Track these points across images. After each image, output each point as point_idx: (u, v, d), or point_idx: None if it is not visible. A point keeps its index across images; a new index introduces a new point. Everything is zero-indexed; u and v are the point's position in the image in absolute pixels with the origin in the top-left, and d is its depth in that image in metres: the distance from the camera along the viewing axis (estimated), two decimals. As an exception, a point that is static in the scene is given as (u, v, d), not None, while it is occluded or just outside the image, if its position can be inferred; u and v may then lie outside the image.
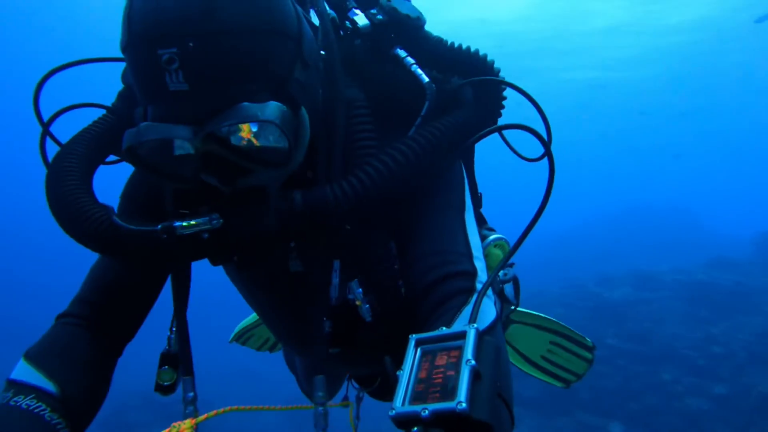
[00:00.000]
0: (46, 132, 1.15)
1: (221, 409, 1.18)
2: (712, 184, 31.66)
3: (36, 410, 0.96)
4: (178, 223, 0.87)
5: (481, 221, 1.42)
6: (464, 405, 0.61)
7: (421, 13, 1.13)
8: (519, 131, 1.08)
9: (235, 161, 0.87)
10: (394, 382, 0.74)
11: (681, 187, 26.53)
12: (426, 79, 1.06)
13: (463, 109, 1.09)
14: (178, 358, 1.15)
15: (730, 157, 34.12)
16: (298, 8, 0.93)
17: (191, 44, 0.77)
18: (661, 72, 21.75)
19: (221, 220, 0.88)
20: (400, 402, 0.67)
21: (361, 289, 1.13)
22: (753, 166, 34.32)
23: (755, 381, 6.79)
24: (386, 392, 1.60)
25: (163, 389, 1.15)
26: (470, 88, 1.13)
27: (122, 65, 1.10)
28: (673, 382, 7.71)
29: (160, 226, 0.87)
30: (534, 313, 1.92)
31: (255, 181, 0.91)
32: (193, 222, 0.87)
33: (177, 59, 0.77)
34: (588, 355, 1.90)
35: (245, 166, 0.88)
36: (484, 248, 1.31)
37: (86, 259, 1.21)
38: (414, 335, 0.78)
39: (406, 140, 0.99)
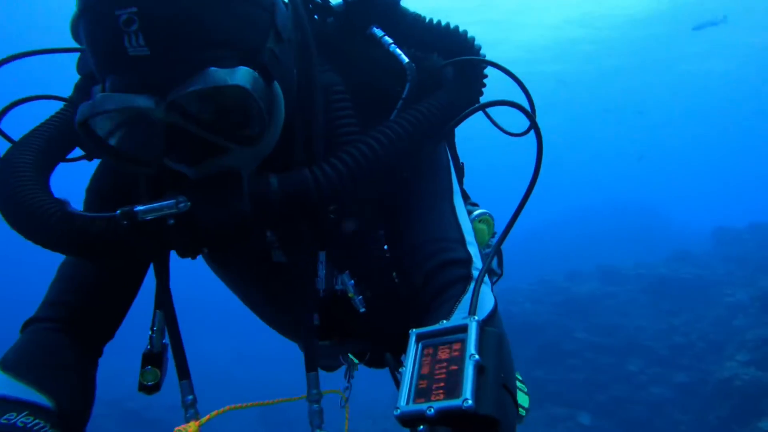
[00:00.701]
0: None
1: (222, 409, 1.13)
2: (676, 181, 32.76)
3: (35, 428, 0.85)
4: (139, 208, 0.78)
5: (464, 197, 1.41)
6: (470, 402, 0.60)
7: None
8: (501, 108, 1.05)
9: (203, 136, 0.78)
10: (394, 368, 0.74)
11: (645, 184, 27.39)
12: (406, 59, 1.00)
13: (445, 91, 1.04)
14: (161, 358, 1.10)
15: (692, 154, 35.39)
16: None
17: (151, 2, 0.70)
18: (621, 65, 22.40)
19: (188, 203, 0.79)
20: (404, 401, 0.65)
21: (353, 281, 1.09)
22: (713, 163, 35.69)
23: (712, 368, 7.11)
24: (379, 361, 1.54)
25: (148, 389, 1.09)
26: (451, 67, 1.08)
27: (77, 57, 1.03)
28: (638, 372, 8.01)
29: (119, 212, 0.79)
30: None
31: (225, 162, 0.83)
32: (156, 205, 0.78)
33: (136, 20, 0.69)
34: (524, 388, 1.78)
35: (213, 142, 0.79)
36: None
37: (48, 261, 1.12)
38: (414, 330, 0.75)
39: (389, 123, 0.94)
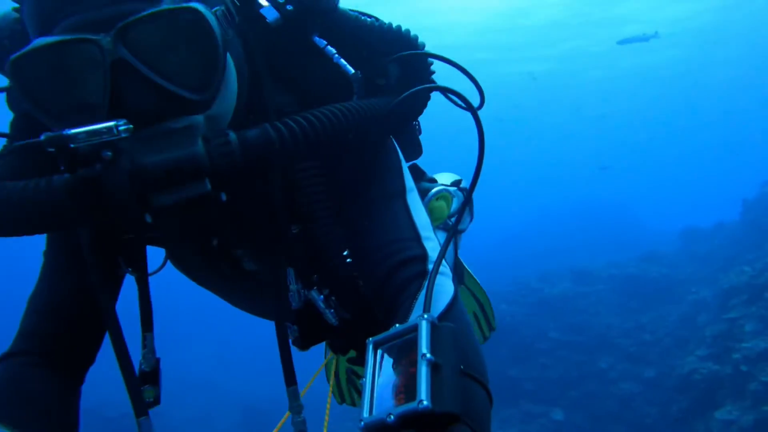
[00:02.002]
0: None
1: None
2: (646, 183, 33.41)
3: None
4: (70, 131, 0.66)
5: (421, 175, 1.42)
6: (425, 403, 0.60)
7: None
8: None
9: (153, 78, 0.71)
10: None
11: (616, 187, 27.97)
12: (351, 70, 0.99)
13: (392, 92, 1.05)
14: (156, 374, 1.12)
15: (662, 157, 36.40)
16: None
17: None
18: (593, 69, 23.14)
19: (130, 126, 0.68)
20: (366, 412, 0.65)
21: (322, 296, 1.11)
22: (682, 166, 36.71)
23: (677, 363, 7.45)
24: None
25: (149, 405, 1.10)
26: (396, 66, 1.07)
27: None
28: (609, 368, 8.32)
29: (44, 136, 0.68)
30: (478, 282, 1.96)
31: (176, 124, 0.74)
32: (91, 128, 0.66)
33: None
34: (487, 334, 1.99)
35: (165, 86, 0.72)
36: (427, 204, 1.33)
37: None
38: (371, 338, 0.75)
39: (342, 103, 0.90)
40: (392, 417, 0.61)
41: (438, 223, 1.46)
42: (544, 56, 20.59)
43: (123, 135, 0.67)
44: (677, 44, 20.12)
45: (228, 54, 0.80)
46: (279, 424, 1.55)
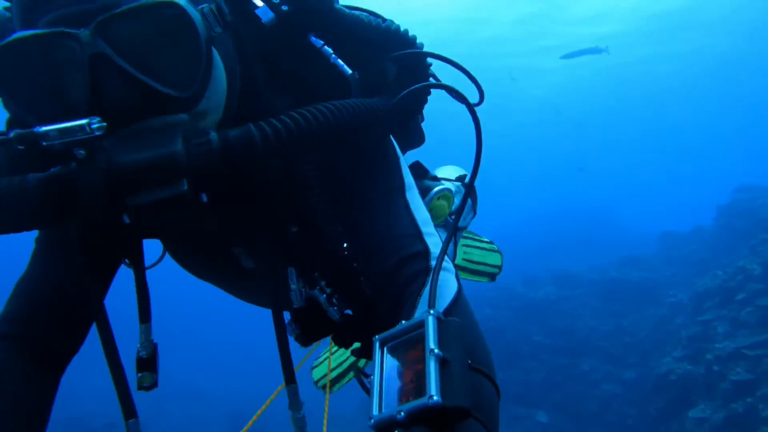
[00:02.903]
0: None
1: None
2: (626, 186, 33.77)
3: None
4: (41, 128, 0.65)
5: (424, 173, 1.42)
6: (435, 398, 0.60)
7: None
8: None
9: (132, 72, 0.70)
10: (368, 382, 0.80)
11: (597, 191, 28.34)
12: (348, 71, 0.98)
13: (388, 91, 1.05)
14: (154, 360, 1.09)
15: (642, 161, 37.00)
16: None
17: None
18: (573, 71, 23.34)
19: (104, 124, 0.66)
20: (375, 409, 0.66)
21: (324, 295, 1.12)
22: (662, 170, 37.29)
23: (654, 364, 7.74)
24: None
25: (146, 389, 1.09)
26: (393, 65, 1.07)
27: None
28: (591, 371, 8.57)
29: (12, 134, 0.66)
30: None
31: (158, 122, 0.72)
32: (63, 126, 0.65)
33: None
34: (495, 247, 2.17)
35: (145, 81, 0.71)
36: (429, 202, 1.32)
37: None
38: (377, 336, 0.75)
39: (335, 102, 0.89)
40: (402, 414, 0.62)
41: (439, 221, 1.45)
42: (518, 52, 20.87)
43: (96, 133, 0.65)
44: (649, 42, 20.49)
45: (216, 52, 0.80)
46: (254, 417, 1.58)
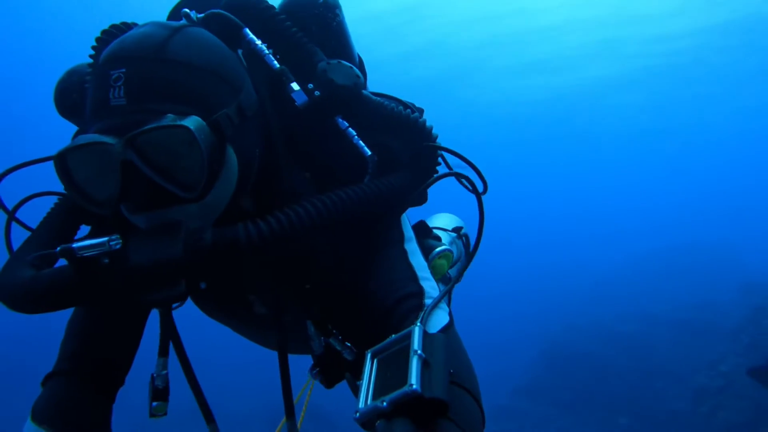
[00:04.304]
0: (12, 218, 1.17)
1: None
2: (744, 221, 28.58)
3: None
4: (76, 245, 0.83)
5: (427, 232, 1.50)
6: (415, 386, 0.65)
7: (359, 76, 1.10)
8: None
9: (150, 176, 0.87)
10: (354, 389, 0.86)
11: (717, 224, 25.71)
12: (368, 152, 1.09)
13: (399, 174, 1.14)
14: (166, 390, 1.20)
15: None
16: (245, 73, 1.00)
17: (138, 65, 0.86)
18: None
19: (120, 242, 0.84)
20: (362, 403, 0.70)
21: (337, 340, 1.23)
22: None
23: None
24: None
25: (158, 416, 1.21)
26: (407, 150, 1.16)
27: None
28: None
29: (59, 249, 0.84)
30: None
31: (172, 214, 0.90)
32: (90, 242, 0.83)
33: (122, 77, 0.86)
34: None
35: (161, 186, 0.87)
36: (431, 261, 1.39)
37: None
38: (369, 350, 0.82)
39: (334, 192, 1.00)
40: (384, 403, 0.66)
41: (438, 277, 1.51)
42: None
43: (115, 248, 0.83)
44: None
45: (230, 149, 0.93)
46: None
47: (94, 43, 1.08)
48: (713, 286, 14.18)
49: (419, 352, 0.73)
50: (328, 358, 1.29)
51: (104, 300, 0.96)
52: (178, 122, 0.85)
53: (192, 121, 0.86)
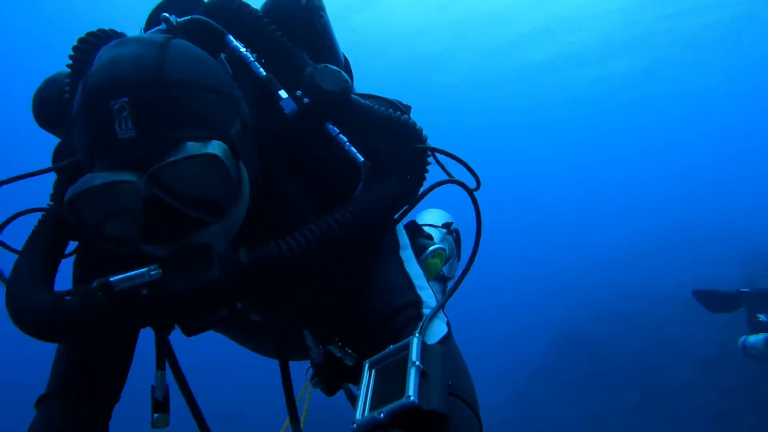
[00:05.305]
0: None
1: None
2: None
3: None
4: (113, 278, 0.82)
5: (418, 231, 1.52)
6: (413, 398, 0.65)
7: (347, 80, 1.09)
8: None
9: (177, 207, 0.85)
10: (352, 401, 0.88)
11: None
12: (360, 158, 1.08)
13: (394, 178, 1.14)
14: (166, 402, 1.18)
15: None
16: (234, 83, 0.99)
17: (141, 92, 0.81)
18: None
19: (159, 271, 0.83)
20: (359, 414, 0.70)
21: (337, 347, 1.21)
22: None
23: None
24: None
25: (159, 428, 1.19)
26: (397, 152, 1.16)
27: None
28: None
29: (95, 283, 0.82)
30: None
31: (198, 239, 0.88)
32: (129, 275, 0.82)
33: (127, 107, 0.80)
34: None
35: (187, 215, 0.86)
36: (424, 260, 1.42)
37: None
38: (367, 360, 0.81)
39: (345, 207, 1.02)
40: (382, 414, 0.66)
41: (432, 276, 1.56)
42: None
43: (154, 278, 0.82)
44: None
45: (242, 166, 0.92)
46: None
47: (70, 52, 1.04)
48: (714, 259, 14.22)
49: (417, 363, 0.72)
50: (328, 365, 1.28)
51: (140, 328, 0.94)
52: (204, 150, 0.84)
53: (215, 147, 0.86)
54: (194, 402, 1.20)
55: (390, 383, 0.74)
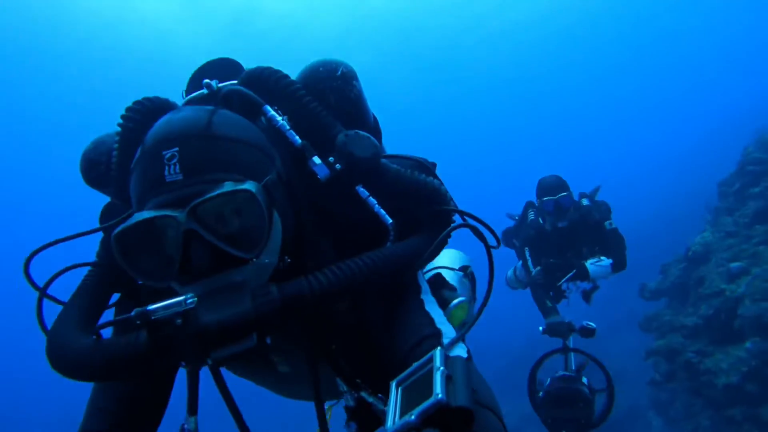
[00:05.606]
0: (44, 295, 1.14)
1: None
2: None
3: None
4: (151, 307, 0.84)
5: (443, 284, 1.51)
6: (441, 395, 0.68)
7: (376, 146, 1.14)
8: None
9: (215, 243, 0.90)
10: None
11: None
12: (389, 220, 1.14)
13: (419, 236, 1.18)
14: None
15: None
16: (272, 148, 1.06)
17: (189, 143, 0.91)
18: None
19: (195, 299, 0.86)
20: (390, 422, 0.72)
21: (369, 393, 1.22)
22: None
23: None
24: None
25: None
26: (423, 212, 1.21)
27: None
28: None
29: (134, 312, 0.84)
30: None
31: (232, 277, 0.93)
32: (167, 303, 0.84)
33: (177, 155, 0.90)
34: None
35: (224, 249, 0.91)
36: (448, 312, 1.40)
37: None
38: (394, 380, 0.84)
39: (373, 252, 1.04)
40: (413, 416, 0.68)
41: (455, 327, 1.50)
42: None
43: (190, 307, 0.85)
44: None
45: (276, 213, 0.99)
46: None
47: (123, 113, 1.11)
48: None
49: (442, 368, 0.75)
50: (361, 410, 1.31)
51: (175, 362, 0.94)
52: (239, 186, 0.91)
53: (251, 185, 0.93)
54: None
55: (417, 393, 0.76)
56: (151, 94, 1.14)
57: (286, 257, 1.06)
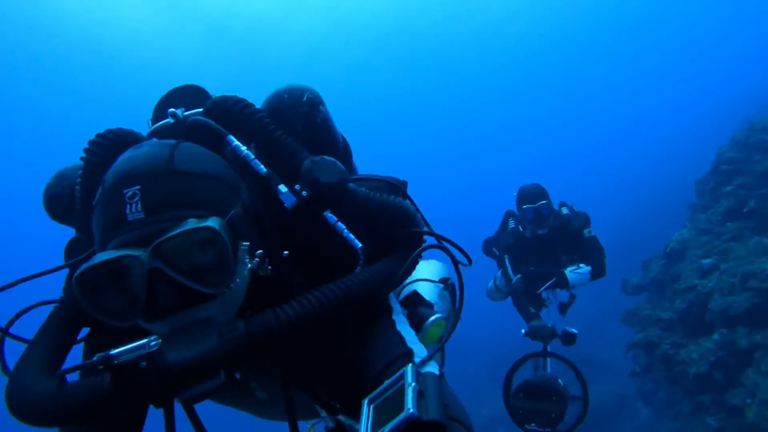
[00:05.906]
0: (6, 334, 1.12)
1: None
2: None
3: None
4: (114, 351, 0.83)
5: (419, 301, 1.48)
6: (412, 410, 0.67)
7: (343, 170, 1.13)
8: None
9: (180, 280, 0.89)
10: None
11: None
12: (358, 244, 1.12)
13: (389, 259, 1.18)
14: None
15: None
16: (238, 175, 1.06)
17: (150, 180, 0.89)
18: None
19: (159, 341, 0.85)
20: None
21: (347, 416, 1.23)
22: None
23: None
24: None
25: None
26: (393, 234, 1.21)
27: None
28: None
29: (96, 357, 0.83)
30: None
31: (198, 314, 0.92)
32: (129, 347, 0.83)
33: (138, 194, 0.88)
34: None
35: (189, 286, 0.89)
36: (425, 330, 1.39)
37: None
38: (365, 398, 0.84)
39: (340, 281, 1.03)
40: (386, 430, 0.68)
41: (430, 344, 1.48)
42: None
43: (154, 349, 0.84)
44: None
45: (242, 245, 0.98)
46: None
47: (86, 146, 1.10)
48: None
49: (413, 384, 0.75)
50: (341, 430, 1.31)
51: (141, 404, 0.93)
52: (202, 224, 0.89)
53: (214, 221, 0.90)
54: None
55: (389, 409, 0.76)
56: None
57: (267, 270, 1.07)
